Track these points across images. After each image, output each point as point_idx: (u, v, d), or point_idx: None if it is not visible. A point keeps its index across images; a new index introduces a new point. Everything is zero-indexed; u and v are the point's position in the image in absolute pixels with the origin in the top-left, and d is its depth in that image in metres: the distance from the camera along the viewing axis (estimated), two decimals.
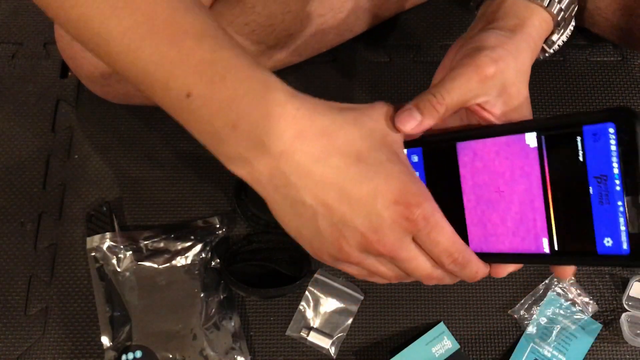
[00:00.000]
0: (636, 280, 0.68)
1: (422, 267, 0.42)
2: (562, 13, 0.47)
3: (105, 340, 0.66)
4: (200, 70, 0.39)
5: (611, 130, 0.36)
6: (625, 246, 0.36)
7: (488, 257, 0.43)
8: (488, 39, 0.44)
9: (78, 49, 0.65)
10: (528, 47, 0.44)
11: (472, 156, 0.42)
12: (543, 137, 0.39)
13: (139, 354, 0.65)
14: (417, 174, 0.43)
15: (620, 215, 0.36)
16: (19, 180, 0.74)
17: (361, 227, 0.39)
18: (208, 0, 0.68)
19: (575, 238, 0.39)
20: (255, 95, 0.39)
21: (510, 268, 0.43)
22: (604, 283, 0.70)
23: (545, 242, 0.40)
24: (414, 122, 0.41)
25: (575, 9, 0.48)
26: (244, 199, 0.71)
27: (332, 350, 0.67)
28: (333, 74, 0.79)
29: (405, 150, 0.43)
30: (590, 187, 0.37)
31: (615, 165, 0.36)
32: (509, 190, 0.41)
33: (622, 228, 0.36)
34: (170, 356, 0.65)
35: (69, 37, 0.65)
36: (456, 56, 0.45)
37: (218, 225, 0.71)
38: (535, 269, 0.70)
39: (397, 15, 0.82)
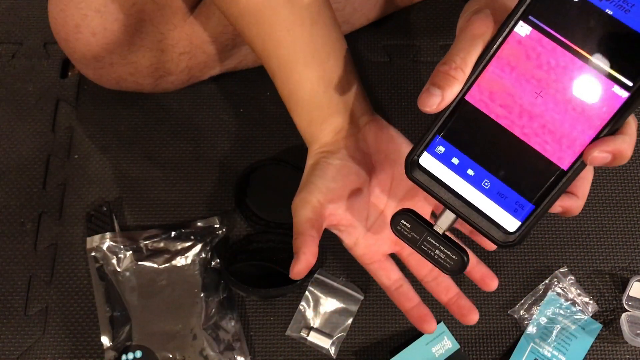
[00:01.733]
0: (636, 280, 0.68)
1: None
2: None
3: (105, 340, 0.66)
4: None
5: None
6: None
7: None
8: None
9: (72, 32, 0.65)
10: None
11: (488, 94, 0.40)
12: (530, 17, 0.38)
13: (139, 354, 0.65)
14: (457, 160, 0.41)
15: None
16: (19, 180, 0.74)
17: None
18: None
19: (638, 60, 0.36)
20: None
21: (611, 142, 0.39)
22: (604, 283, 0.70)
23: (617, 90, 0.37)
24: (437, 98, 0.40)
25: None
26: (244, 199, 0.71)
27: (332, 350, 0.67)
28: None
29: (425, 152, 0.42)
30: (607, 10, 0.36)
31: None
32: (546, 86, 0.39)
33: None
34: (170, 356, 0.65)
35: (62, 19, 0.64)
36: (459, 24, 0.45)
37: (218, 225, 0.71)
38: (535, 268, 0.70)
39: (397, 15, 0.82)
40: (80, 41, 0.65)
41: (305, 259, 0.50)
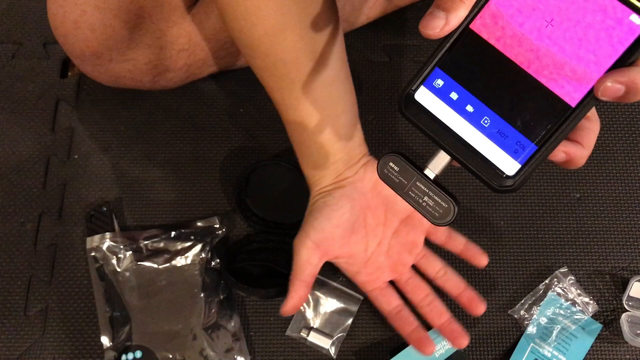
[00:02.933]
0: (636, 280, 0.68)
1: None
2: None
3: (105, 340, 0.66)
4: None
5: None
6: None
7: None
8: None
9: (70, 28, 0.65)
10: None
11: (495, 23, 0.37)
12: None
13: (139, 354, 0.65)
14: (456, 95, 0.39)
15: None
16: (19, 180, 0.74)
17: None
18: None
19: None
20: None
21: (626, 73, 0.36)
22: (604, 283, 0.70)
23: (635, 19, 0.34)
24: (440, 21, 0.38)
25: None
26: (244, 199, 0.71)
27: (332, 350, 0.67)
28: None
29: (422, 86, 0.39)
30: None
31: None
32: (558, 15, 0.36)
33: None
34: (170, 356, 0.65)
35: (61, 15, 0.64)
36: None
37: (218, 225, 0.71)
38: (534, 268, 0.70)
39: (397, 15, 0.82)
40: (78, 37, 0.65)
41: (291, 302, 0.59)
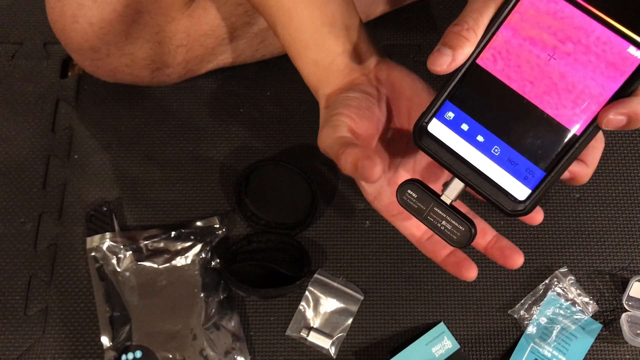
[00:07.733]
0: (636, 280, 0.68)
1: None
2: None
3: (105, 340, 0.66)
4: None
5: None
6: None
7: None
8: None
9: (68, 21, 0.65)
10: None
11: (500, 58, 0.40)
12: None
13: (139, 354, 0.65)
14: (466, 126, 0.41)
15: None
16: (19, 180, 0.74)
17: None
18: None
19: None
20: None
21: (627, 104, 0.37)
22: (604, 283, 0.70)
23: (633, 51, 0.36)
24: (447, 58, 0.40)
25: None
26: (244, 199, 0.71)
27: (332, 350, 0.67)
28: None
29: (434, 119, 0.41)
30: None
31: None
32: (559, 49, 0.38)
33: None
34: (170, 356, 0.65)
35: (59, 9, 0.64)
36: None
37: (218, 225, 0.71)
38: (534, 268, 0.70)
39: (397, 15, 0.82)
40: (77, 31, 0.65)
41: (369, 163, 0.42)
